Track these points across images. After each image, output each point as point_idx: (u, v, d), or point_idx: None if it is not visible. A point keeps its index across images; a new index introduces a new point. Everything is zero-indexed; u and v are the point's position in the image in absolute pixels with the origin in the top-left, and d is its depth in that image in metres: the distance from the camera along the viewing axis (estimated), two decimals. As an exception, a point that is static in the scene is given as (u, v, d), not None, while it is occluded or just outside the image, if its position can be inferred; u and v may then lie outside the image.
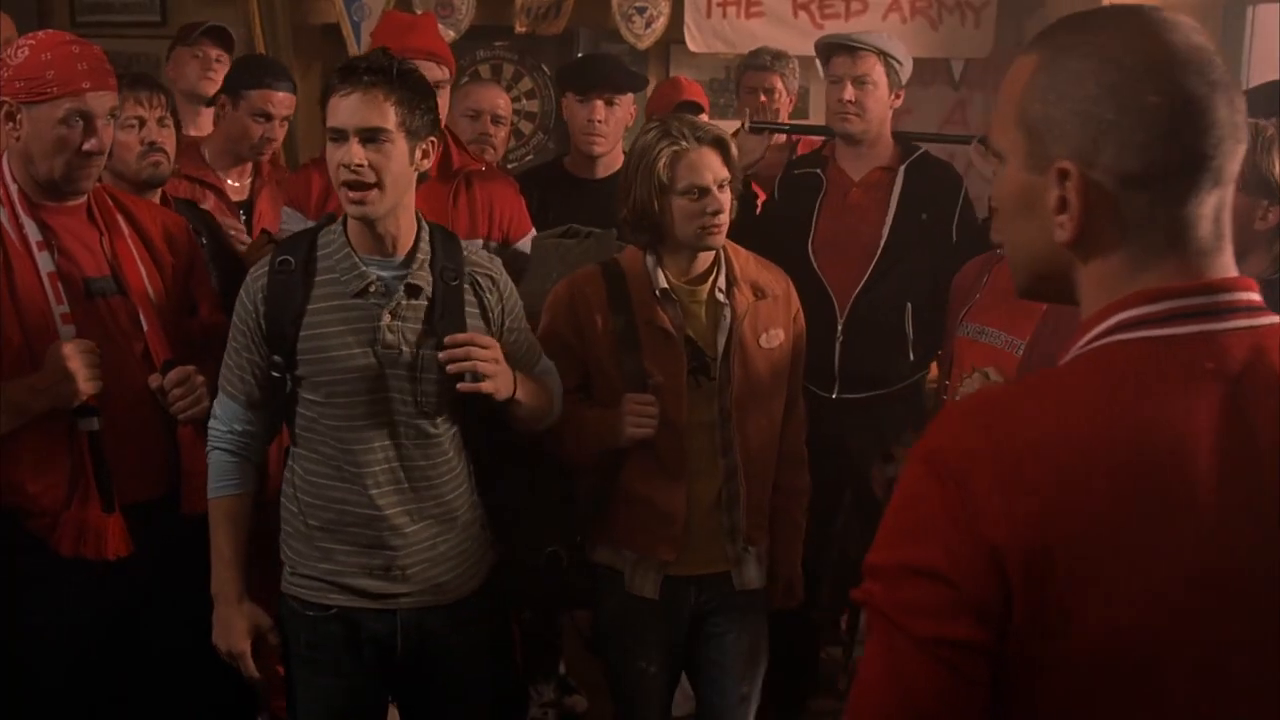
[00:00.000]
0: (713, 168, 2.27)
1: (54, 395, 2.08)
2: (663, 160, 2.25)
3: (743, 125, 3.15)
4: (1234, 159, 0.99)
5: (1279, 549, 0.93)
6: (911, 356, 3.03)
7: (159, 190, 2.71)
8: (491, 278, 2.19)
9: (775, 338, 2.40)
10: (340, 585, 2.11)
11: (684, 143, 2.26)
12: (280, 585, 2.17)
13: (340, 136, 1.99)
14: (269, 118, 3.23)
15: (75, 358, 2.08)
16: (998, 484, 0.92)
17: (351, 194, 1.99)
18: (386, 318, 2.04)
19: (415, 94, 2.01)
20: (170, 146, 2.67)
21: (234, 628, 2.09)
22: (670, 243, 2.32)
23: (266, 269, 2.08)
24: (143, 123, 2.61)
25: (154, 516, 2.24)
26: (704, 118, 3.50)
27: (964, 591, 0.92)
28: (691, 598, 2.43)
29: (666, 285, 2.33)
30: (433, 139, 2.07)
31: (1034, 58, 1.02)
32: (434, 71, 2.70)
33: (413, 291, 2.07)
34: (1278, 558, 0.93)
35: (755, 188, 3.23)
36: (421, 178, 2.12)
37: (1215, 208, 0.99)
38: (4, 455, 2.11)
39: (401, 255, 2.09)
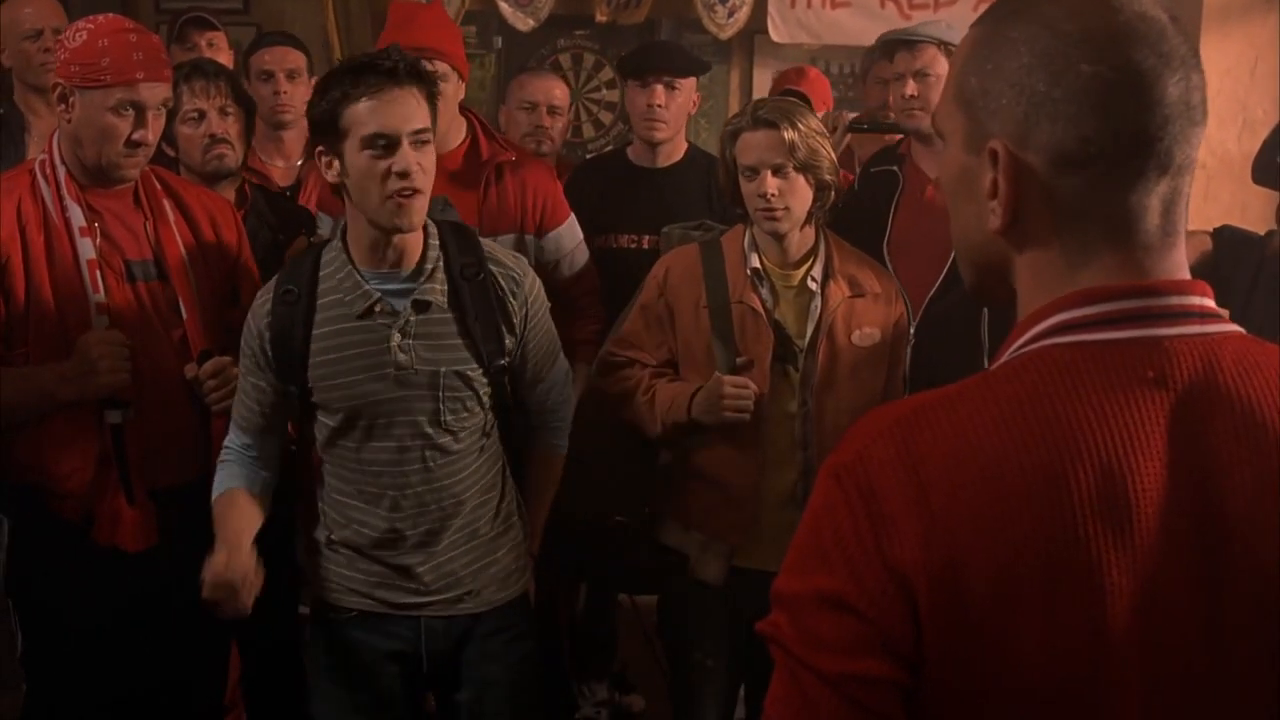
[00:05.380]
0: (758, 149, 2.26)
1: (80, 386, 2.08)
2: (726, 138, 2.32)
3: (839, 123, 3.05)
4: (1186, 143, 0.87)
5: (1232, 576, 0.84)
6: (986, 364, 2.89)
7: (230, 182, 2.68)
8: (514, 279, 2.07)
9: (869, 337, 2.35)
10: (361, 593, 2.07)
11: (742, 123, 2.30)
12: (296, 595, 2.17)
13: (391, 143, 1.86)
14: (270, 75, 3.22)
15: (105, 350, 2.07)
16: (909, 500, 0.84)
17: (403, 202, 1.88)
18: (396, 337, 1.95)
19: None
20: (236, 136, 2.62)
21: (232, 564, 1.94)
22: (754, 223, 2.35)
23: (271, 297, 2.00)
24: (203, 115, 2.58)
25: (184, 501, 2.23)
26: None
27: (873, 622, 0.83)
28: (760, 593, 2.36)
29: (758, 266, 2.33)
30: None
31: (977, 29, 0.93)
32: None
33: (420, 307, 1.97)
34: (1228, 586, 0.84)
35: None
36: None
37: (1165, 199, 0.88)
38: (33, 435, 2.13)
39: (409, 267, 1.98)
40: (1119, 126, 0.86)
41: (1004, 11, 0.92)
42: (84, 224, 2.15)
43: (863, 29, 4.26)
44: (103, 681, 2.22)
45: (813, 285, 2.34)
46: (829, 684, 0.84)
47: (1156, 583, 0.83)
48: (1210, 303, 0.89)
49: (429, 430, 1.99)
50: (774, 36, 4.50)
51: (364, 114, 1.84)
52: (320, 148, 1.91)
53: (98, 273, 2.14)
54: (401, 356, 1.95)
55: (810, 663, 0.85)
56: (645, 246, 3.00)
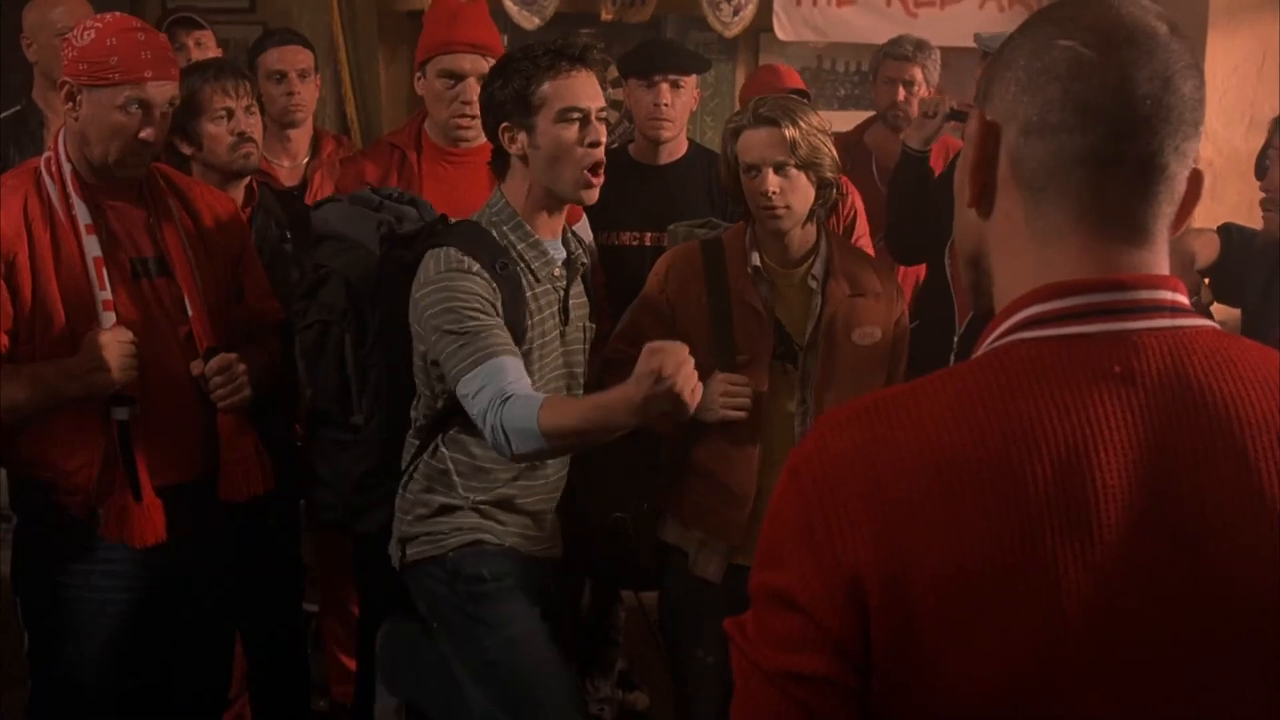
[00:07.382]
0: (759, 147, 2.27)
1: (87, 383, 2.09)
2: (727, 136, 2.33)
3: (939, 110, 3.01)
4: (1154, 139, 0.86)
5: (1208, 572, 0.82)
6: None
7: (246, 179, 2.70)
8: (586, 243, 2.36)
9: (870, 336, 2.35)
10: (515, 533, 2.18)
11: (743, 120, 2.30)
12: (416, 555, 2.16)
13: (584, 117, 2.04)
14: (283, 75, 3.22)
15: (111, 347, 2.08)
16: (862, 493, 0.83)
17: (592, 176, 2.07)
18: (571, 298, 2.17)
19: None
20: (258, 133, 2.66)
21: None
22: (756, 221, 2.36)
23: (480, 268, 1.98)
24: (230, 113, 2.60)
25: (190, 498, 2.24)
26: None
27: (817, 621, 0.82)
28: None
29: (759, 264, 2.34)
30: None
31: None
32: (480, 65, 2.68)
33: (579, 266, 2.20)
34: (1205, 583, 0.81)
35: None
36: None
37: (1133, 194, 0.87)
38: (39, 432, 2.14)
39: (561, 235, 2.18)
40: (1079, 101, 0.86)
41: (1029, 19, 0.95)
42: (90, 221, 2.15)
43: (869, 26, 4.26)
44: (107, 677, 2.23)
45: (813, 284, 2.34)
46: (770, 680, 0.83)
47: (1118, 581, 0.80)
48: (1183, 298, 0.88)
49: (577, 372, 2.22)
50: (780, 34, 4.50)
51: (559, 90, 2.02)
52: (505, 123, 2.05)
53: (104, 270, 2.14)
54: (574, 314, 2.20)
55: (756, 659, 0.85)
56: (648, 244, 3.00)
